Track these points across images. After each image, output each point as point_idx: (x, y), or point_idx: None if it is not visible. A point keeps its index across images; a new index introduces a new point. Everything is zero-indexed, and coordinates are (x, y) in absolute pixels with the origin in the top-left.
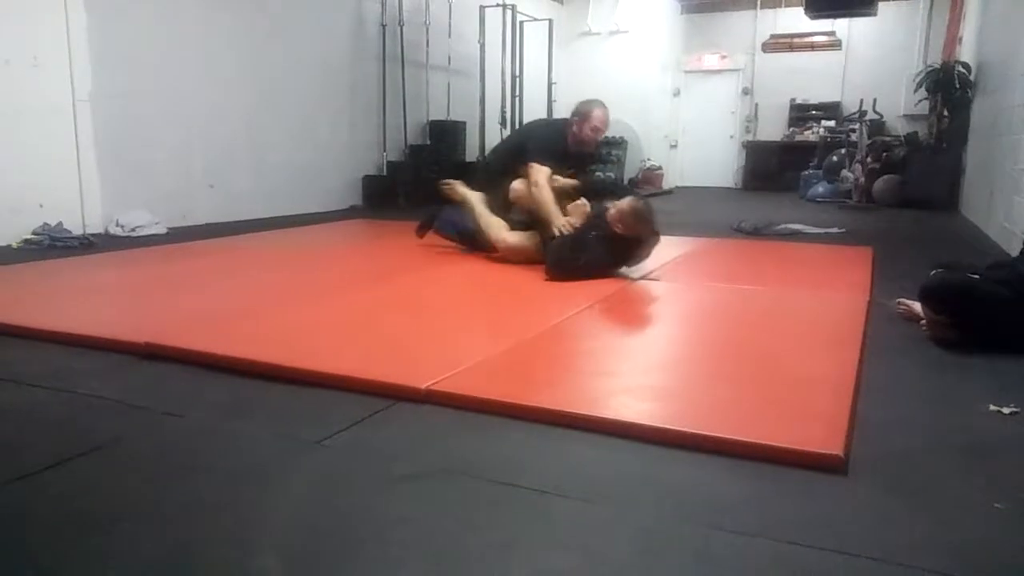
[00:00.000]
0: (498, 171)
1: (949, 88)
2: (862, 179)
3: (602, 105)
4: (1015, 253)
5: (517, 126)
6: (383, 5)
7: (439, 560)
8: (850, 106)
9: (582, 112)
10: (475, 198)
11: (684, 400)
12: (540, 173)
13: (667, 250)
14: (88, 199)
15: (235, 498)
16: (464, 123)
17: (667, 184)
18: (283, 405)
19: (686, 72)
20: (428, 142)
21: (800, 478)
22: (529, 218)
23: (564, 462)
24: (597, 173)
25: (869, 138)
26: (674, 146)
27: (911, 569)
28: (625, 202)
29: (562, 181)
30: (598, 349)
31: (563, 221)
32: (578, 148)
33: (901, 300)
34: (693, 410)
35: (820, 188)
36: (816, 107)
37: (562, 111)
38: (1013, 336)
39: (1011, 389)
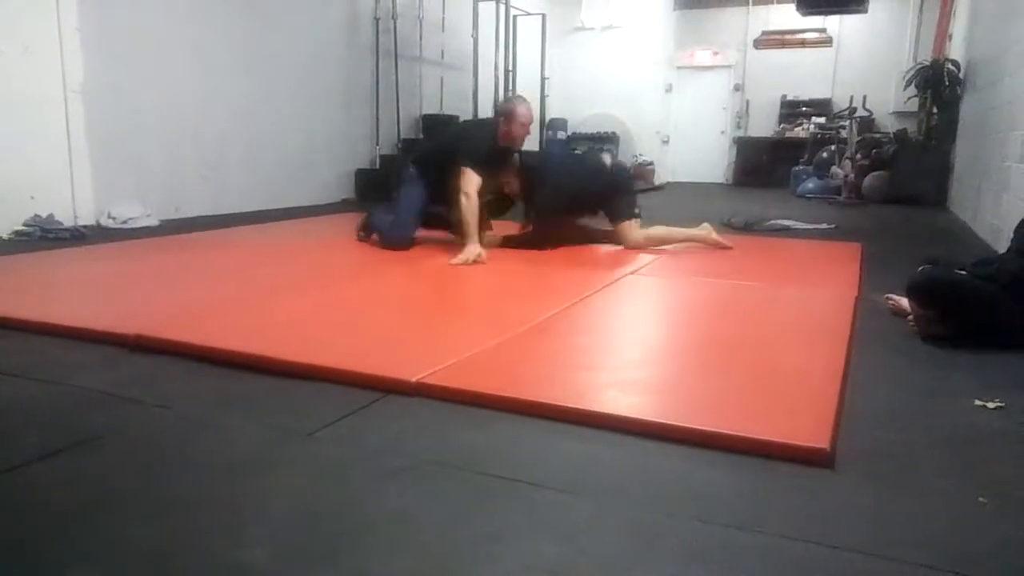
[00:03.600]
0: (432, 168)
1: (938, 85)
2: (852, 175)
3: (524, 100)
4: (1002, 249)
5: None
6: None
7: (429, 552)
8: (840, 103)
9: (507, 111)
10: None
11: (673, 394)
12: (470, 183)
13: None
14: (80, 190)
15: (225, 490)
16: (457, 117)
17: (659, 179)
18: (274, 397)
19: (678, 68)
20: (421, 136)
21: (787, 471)
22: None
23: (553, 455)
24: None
25: (859, 135)
26: (666, 142)
27: (897, 562)
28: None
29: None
30: (587, 343)
31: (474, 251)
32: (507, 144)
33: (889, 295)
34: (682, 404)
35: (810, 184)
36: (807, 103)
37: (555, 106)
38: (999, 331)
39: (996, 384)
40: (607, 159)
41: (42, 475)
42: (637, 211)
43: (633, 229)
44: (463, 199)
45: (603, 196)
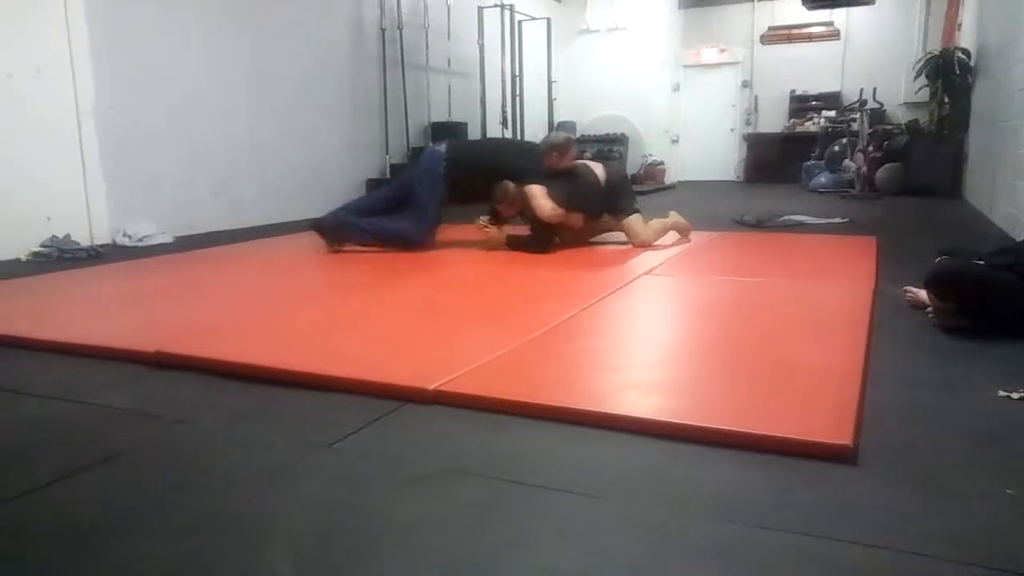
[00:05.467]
0: (465, 172)
1: (949, 74)
2: (864, 168)
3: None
4: (1020, 238)
5: (518, 125)
6: (382, 9)
7: (451, 560)
8: (850, 96)
9: (564, 146)
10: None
11: (691, 394)
12: (545, 196)
13: (670, 244)
14: (95, 210)
15: (247, 503)
16: (465, 124)
17: (669, 179)
18: (293, 409)
19: (685, 67)
20: (430, 144)
21: (810, 469)
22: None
23: (573, 459)
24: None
25: (870, 127)
26: (675, 141)
27: (923, 558)
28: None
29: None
30: (604, 345)
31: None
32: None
33: (907, 288)
34: (701, 404)
35: (822, 178)
36: (816, 98)
37: (563, 109)
38: (1019, 321)
39: (1019, 374)
40: (599, 169)
41: (67, 493)
42: (636, 208)
43: (640, 223)
44: (557, 215)
45: (599, 202)
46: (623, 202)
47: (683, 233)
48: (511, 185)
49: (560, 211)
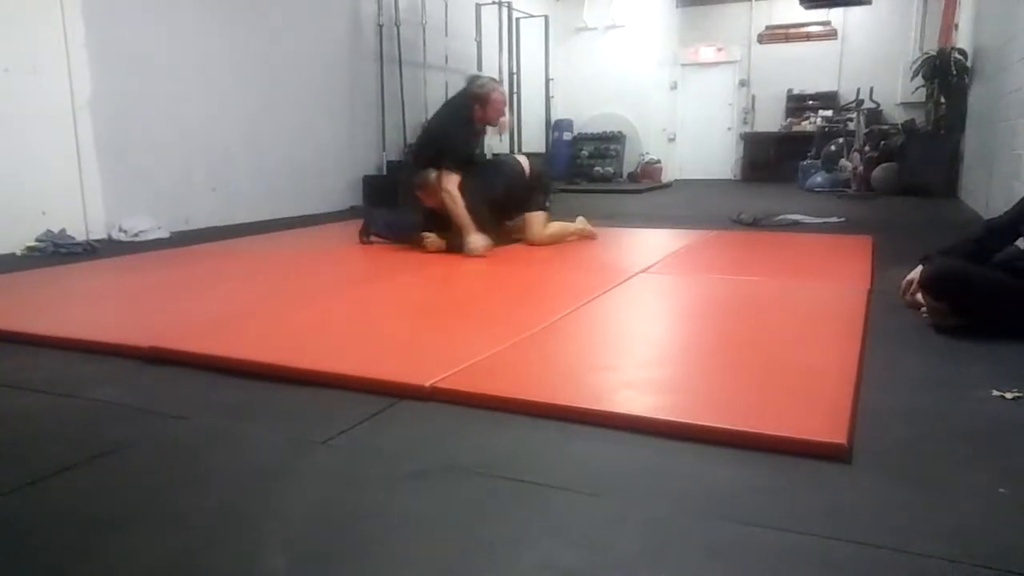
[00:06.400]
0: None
1: (946, 75)
2: (860, 168)
3: (496, 83)
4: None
5: (516, 123)
6: (380, 6)
7: (446, 557)
8: (847, 95)
9: (482, 97)
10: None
11: (687, 392)
12: (452, 182)
13: (666, 243)
14: (90, 205)
15: (242, 499)
16: None
17: (666, 177)
18: (288, 406)
19: (683, 65)
20: None
21: (805, 468)
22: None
23: (569, 456)
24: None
25: (866, 127)
26: (672, 139)
27: (917, 556)
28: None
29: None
30: (600, 343)
31: (481, 239)
32: (483, 127)
33: (900, 284)
34: (697, 402)
35: (819, 178)
36: (813, 97)
37: (560, 107)
38: (1014, 321)
39: (1014, 374)
40: (524, 161)
41: (60, 488)
42: (547, 205)
43: (540, 222)
44: (447, 197)
45: (521, 196)
46: (537, 196)
47: (587, 238)
48: (433, 174)
49: (453, 196)
